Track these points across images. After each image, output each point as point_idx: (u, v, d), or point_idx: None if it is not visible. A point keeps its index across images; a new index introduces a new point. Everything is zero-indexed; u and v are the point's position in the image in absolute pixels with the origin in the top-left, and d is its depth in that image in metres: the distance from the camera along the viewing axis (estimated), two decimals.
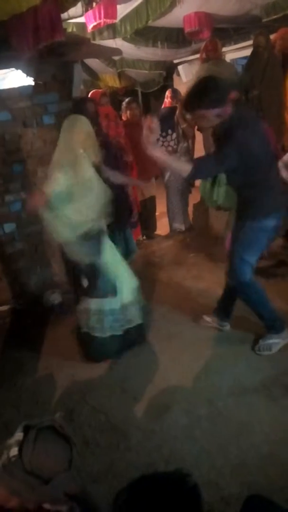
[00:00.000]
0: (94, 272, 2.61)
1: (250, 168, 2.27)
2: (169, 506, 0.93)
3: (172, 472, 1.07)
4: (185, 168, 2.26)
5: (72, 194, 2.44)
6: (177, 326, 3.07)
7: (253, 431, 2.10)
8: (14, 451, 1.11)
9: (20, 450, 1.12)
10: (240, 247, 2.53)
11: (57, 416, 1.29)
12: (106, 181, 2.78)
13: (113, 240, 3.65)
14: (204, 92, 2.20)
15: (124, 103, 4.65)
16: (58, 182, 2.43)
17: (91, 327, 2.70)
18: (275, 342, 2.64)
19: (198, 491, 0.99)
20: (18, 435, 1.16)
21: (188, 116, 2.81)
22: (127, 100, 4.68)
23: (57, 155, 2.55)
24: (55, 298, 3.70)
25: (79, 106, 3.44)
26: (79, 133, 2.49)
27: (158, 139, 4.61)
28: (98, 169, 2.57)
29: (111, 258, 2.68)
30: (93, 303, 2.66)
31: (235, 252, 2.56)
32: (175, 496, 0.95)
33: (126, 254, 3.76)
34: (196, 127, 4.94)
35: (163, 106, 4.97)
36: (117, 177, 2.91)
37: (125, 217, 4.01)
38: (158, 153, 2.25)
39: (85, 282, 2.67)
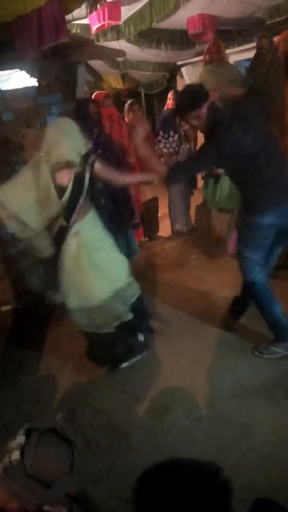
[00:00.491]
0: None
1: (238, 164, 2.34)
2: (196, 498, 0.89)
3: (203, 463, 1.01)
4: (161, 169, 2.49)
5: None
6: (179, 327, 3.07)
7: (254, 433, 2.10)
8: (15, 454, 1.11)
9: (22, 454, 1.11)
10: (240, 244, 2.58)
11: (58, 417, 1.29)
12: (105, 183, 2.80)
13: (115, 241, 3.67)
14: (180, 100, 2.51)
15: (126, 105, 4.66)
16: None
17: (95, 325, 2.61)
18: (278, 351, 2.59)
19: (230, 488, 0.94)
20: (20, 438, 1.16)
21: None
22: (129, 102, 4.69)
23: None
24: (57, 298, 3.70)
25: (82, 107, 3.45)
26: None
27: (160, 140, 4.64)
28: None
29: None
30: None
31: (238, 249, 2.60)
32: (204, 489, 0.91)
33: (128, 255, 3.77)
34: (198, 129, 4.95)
35: (165, 108, 4.98)
36: (121, 178, 2.88)
37: (127, 218, 4.02)
38: (144, 150, 2.50)
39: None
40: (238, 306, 2.99)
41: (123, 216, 3.89)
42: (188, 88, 2.53)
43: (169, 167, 2.57)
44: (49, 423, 1.24)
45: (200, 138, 4.99)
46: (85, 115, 3.39)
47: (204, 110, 2.32)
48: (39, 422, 1.25)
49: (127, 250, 3.75)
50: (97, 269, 2.52)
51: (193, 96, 2.37)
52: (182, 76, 6.76)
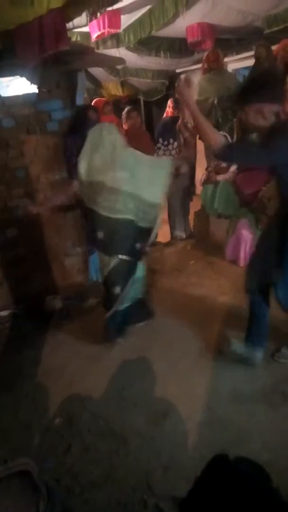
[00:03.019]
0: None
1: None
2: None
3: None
4: (217, 139, 2.06)
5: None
6: (177, 333, 3.08)
7: (253, 438, 2.09)
8: None
9: None
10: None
11: (56, 422, 1.22)
12: None
13: None
14: (266, 84, 2.00)
15: (124, 113, 4.67)
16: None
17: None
18: None
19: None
20: None
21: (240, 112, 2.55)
22: (126, 109, 4.70)
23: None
24: (56, 303, 3.71)
25: (81, 114, 3.48)
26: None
27: (159, 147, 4.67)
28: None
29: None
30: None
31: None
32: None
33: None
34: (198, 136, 4.99)
35: (165, 115, 5.02)
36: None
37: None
38: (194, 109, 2.09)
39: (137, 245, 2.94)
40: None
41: None
42: (275, 74, 2.09)
43: (229, 144, 2.19)
44: (21, 465, 1.13)
45: (200, 146, 5.04)
46: (84, 121, 3.42)
47: (286, 108, 2.05)
48: (10, 462, 1.14)
49: None
50: None
51: (281, 84, 1.99)
52: None
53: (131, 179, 2.74)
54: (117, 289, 2.91)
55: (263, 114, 1.98)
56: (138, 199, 2.77)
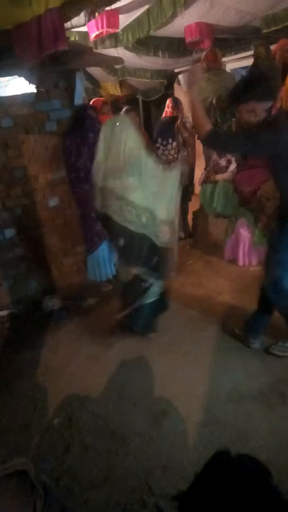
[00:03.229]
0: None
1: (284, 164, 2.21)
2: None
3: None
4: (206, 126, 2.20)
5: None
6: (176, 333, 3.08)
7: (251, 438, 2.10)
8: None
9: None
10: (280, 250, 2.46)
11: (56, 422, 1.22)
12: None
13: (110, 247, 3.68)
14: (257, 83, 2.13)
15: (121, 112, 4.66)
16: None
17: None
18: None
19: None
20: None
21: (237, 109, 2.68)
22: (125, 108, 4.68)
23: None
24: (55, 303, 3.71)
25: (80, 114, 3.47)
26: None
27: (158, 147, 4.67)
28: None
29: None
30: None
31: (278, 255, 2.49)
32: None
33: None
34: (196, 136, 4.99)
35: (163, 115, 5.01)
36: None
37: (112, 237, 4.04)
38: (195, 98, 2.29)
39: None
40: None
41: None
42: (266, 73, 2.24)
43: (214, 130, 2.24)
44: (19, 464, 1.12)
45: (198, 145, 5.04)
46: (83, 121, 3.41)
47: (278, 104, 2.14)
48: (8, 462, 1.13)
49: None
50: None
51: (272, 84, 2.11)
52: (179, 83, 6.81)
53: (142, 189, 2.58)
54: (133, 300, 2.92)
55: (255, 112, 2.12)
56: (151, 214, 2.65)
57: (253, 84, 2.13)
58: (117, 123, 2.56)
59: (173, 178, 2.74)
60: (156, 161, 2.72)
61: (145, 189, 2.60)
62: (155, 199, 2.64)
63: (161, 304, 3.09)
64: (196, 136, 4.96)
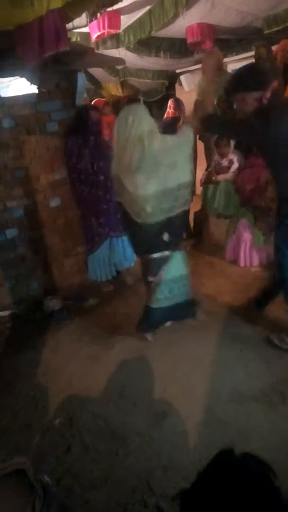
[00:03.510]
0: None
1: (278, 158, 2.28)
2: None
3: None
4: (208, 109, 2.46)
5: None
6: (177, 332, 3.08)
7: (252, 438, 2.10)
8: None
9: None
10: (279, 240, 2.54)
11: (56, 422, 1.22)
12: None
13: (111, 247, 3.69)
14: (246, 75, 2.26)
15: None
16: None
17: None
18: None
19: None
20: None
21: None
22: None
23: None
24: (55, 304, 3.71)
25: (83, 114, 3.48)
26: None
27: None
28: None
29: None
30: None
31: (277, 244, 2.58)
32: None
33: (124, 262, 3.78)
34: (198, 136, 4.98)
35: (165, 116, 5.02)
36: None
37: (124, 224, 4.04)
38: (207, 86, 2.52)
39: (166, 236, 2.73)
40: (265, 299, 3.03)
41: (120, 222, 3.91)
42: (257, 65, 2.44)
43: (212, 115, 2.45)
44: (18, 464, 1.11)
45: (200, 145, 5.04)
46: (85, 122, 3.42)
47: (268, 94, 2.18)
48: (7, 462, 1.11)
49: (124, 256, 3.75)
50: None
51: (262, 75, 2.22)
52: (181, 84, 6.82)
53: (154, 178, 2.49)
54: (150, 278, 2.88)
55: (246, 102, 2.24)
56: (158, 198, 2.54)
57: (242, 76, 2.27)
58: (131, 114, 2.48)
59: (185, 142, 2.62)
60: (168, 134, 2.64)
61: (158, 172, 2.50)
62: (171, 169, 2.54)
63: (184, 310, 3.07)
64: (198, 136, 4.97)
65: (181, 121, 4.62)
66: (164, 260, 2.80)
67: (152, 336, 3.04)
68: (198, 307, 3.17)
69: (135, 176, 2.47)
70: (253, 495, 0.89)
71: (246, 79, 2.23)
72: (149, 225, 2.63)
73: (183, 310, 3.04)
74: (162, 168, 2.49)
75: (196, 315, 3.13)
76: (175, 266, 2.84)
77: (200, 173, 4.57)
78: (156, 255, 2.78)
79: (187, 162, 2.61)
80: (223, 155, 4.15)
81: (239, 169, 4.02)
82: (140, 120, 2.45)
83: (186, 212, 2.82)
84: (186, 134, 2.64)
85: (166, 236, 2.72)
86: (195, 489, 0.96)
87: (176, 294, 2.93)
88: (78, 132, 3.45)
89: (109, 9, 3.90)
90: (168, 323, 3.10)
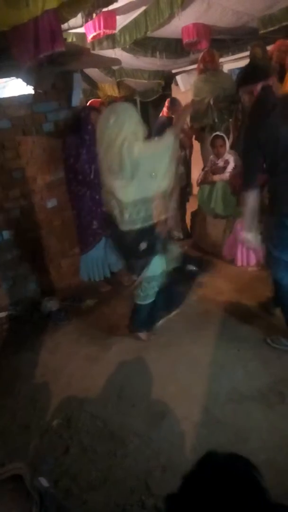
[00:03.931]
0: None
1: (272, 153, 2.28)
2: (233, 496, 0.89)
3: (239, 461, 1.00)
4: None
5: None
6: (175, 333, 3.08)
7: (250, 438, 2.10)
8: None
9: None
10: (268, 243, 2.54)
11: (55, 423, 1.22)
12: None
13: (106, 247, 3.68)
14: (248, 70, 2.56)
15: None
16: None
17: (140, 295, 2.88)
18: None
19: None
20: None
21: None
22: None
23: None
24: (53, 305, 3.70)
25: (81, 115, 3.47)
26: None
27: None
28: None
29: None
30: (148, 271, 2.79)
31: (267, 248, 2.58)
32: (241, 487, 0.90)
33: (119, 261, 3.78)
34: (194, 137, 4.99)
35: (161, 115, 5.03)
36: None
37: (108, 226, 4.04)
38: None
39: (143, 245, 2.69)
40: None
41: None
42: (254, 63, 2.60)
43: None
44: (15, 469, 1.10)
45: (196, 146, 5.04)
46: (85, 123, 3.41)
47: (258, 87, 2.32)
48: (5, 467, 1.12)
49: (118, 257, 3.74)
50: None
51: (254, 71, 2.42)
52: (177, 84, 6.82)
53: (135, 184, 2.46)
54: (134, 277, 2.89)
55: (253, 93, 2.35)
56: (135, 206, 2.52)
57: (246, 71, 2.52)
58: (113, 112, 2.40)
59: (166, 147, 2.52)
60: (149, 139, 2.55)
61: (139, 180, 2.46)
62: (151, 178, 2.49)
63: (162, 305, 3.07)
64: (194, 137, 4.98)
65: (174, 121, 4.61)
66: (145, 263, 2.78)
67: (147, 335, 3.04)
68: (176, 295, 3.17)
69: (115, 181, 2.46)
70: (238, 496, 0.89)
71: (248, 72, 2.47)
72: (124, 232, 2.60)
73: (173, 299, 3.05)
74: (142, 175, 2.44)
75: (180, 303, 3.16)
76: (155, 265, 2.80)
77: (197, 173, 4.58)
78: (135, 261, 2.79)
79: (167, 169, 2.54)
80: (219, 155, 4.15)
81: (236, 169, 4.02)
82: (122, 122, 2.35)
83: (181, 214, 2.79)
84: (167, 139, 2.53)
85: (143, 245, 2.67)
86: (181, 493, 0.95)
87: (158, 290, 2.91)
88: (76, 133, 3.45)
89: (105, 9, 3.89)
90: (162, 321, 3.08)
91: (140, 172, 2.43)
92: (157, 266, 2.82)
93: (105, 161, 2.48)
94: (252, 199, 2.43)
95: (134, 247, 2.68)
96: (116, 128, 2.34)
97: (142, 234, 2.62)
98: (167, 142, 2.52)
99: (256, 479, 0.92)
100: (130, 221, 2.54)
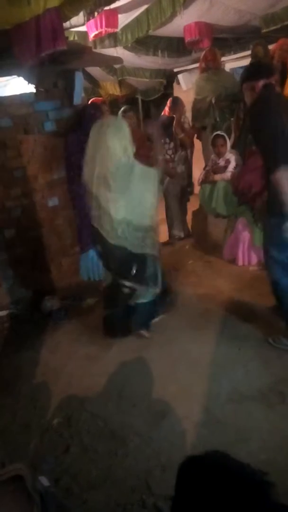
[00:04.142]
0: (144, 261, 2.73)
1: (269, 150, 2.31)
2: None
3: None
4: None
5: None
6: (175, 332, 3.08)
7: (250, 438, 2.10)
8: None
9: None
10: (267, 243, 2.55)
11: (55, 422, 1.22)
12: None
13: None
14: (251, 67, 2.73)
15: (119, 112, 4.63)
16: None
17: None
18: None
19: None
20: None
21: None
22: (122, 108, 4.65)
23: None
24: (53, 304, 3.70)
25: (86, 113, 3.47)
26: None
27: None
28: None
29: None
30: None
31: (265, 247, 2.60)
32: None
33: None
34: (195, 136, 4.99)
35: (162, 114, 5.01)
36: None
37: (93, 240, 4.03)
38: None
39: (134, 269, 2.72)
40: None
41: None
42: (259, 61, 2.70)
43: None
44: (15, 470, 1.09)
45: (197, 145, 5.04)
46: (88, 120, 3.39)
47: (260, 84, 2.35)
48: (5, 468, 1.12)
49: None
50: None
51: (256, 69, 2.48)
52: (179, 83, 6.82)
53: (125, 201, 2.53)
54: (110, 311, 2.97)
55: (254, 90, 2.39)
56: (128, 225, 2.58)
57: (249, 69, 2.61)
58: (103, 128, 2.52)
59: (151, 178, 2.61)
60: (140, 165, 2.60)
61: (130, 200, 2.54)
62: (138, 203, 2.57)
63: (160, 304, 3.10)
64: (195, 136, 4.98)
65: (175, 121, 4.60)
66: (128, 292, 2.84)
67: (149, 333, 3.06)
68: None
69: (107, 193, 2.50)
70: (239, 496, 0.89)
71: (250, 70, 2.55)
72: (119, 247, 2.64)
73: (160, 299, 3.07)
74: (133, 194, 2.52)
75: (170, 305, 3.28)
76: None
77: (198, 172, 4.57)
78: (123, 282, 2.79)
79: (152, 203, 2.61)
80: (220, 155, 4.15)
81: (236, 169, 4.02)
82: (112, 136, 2.46)
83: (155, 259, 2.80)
84: (152, 174, 2.61)
85: (134, 269, 2.71)
86: (176, 504, 0.96)
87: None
88: (78, 131, 3.44)
89: (107, 8, 3.90)
90: (157, 319, 3.14)
91: (131, 188, 2.52)
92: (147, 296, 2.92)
93: (90, 169, 2.55)
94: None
95: (124, 266, 2.72)
96: (105, 139, 2.47)
97: (135, 257, 2.68)
98: (152, 176, 2.61)
99: (257, 476, 0.92)
100: (122, 237, 2.60)
